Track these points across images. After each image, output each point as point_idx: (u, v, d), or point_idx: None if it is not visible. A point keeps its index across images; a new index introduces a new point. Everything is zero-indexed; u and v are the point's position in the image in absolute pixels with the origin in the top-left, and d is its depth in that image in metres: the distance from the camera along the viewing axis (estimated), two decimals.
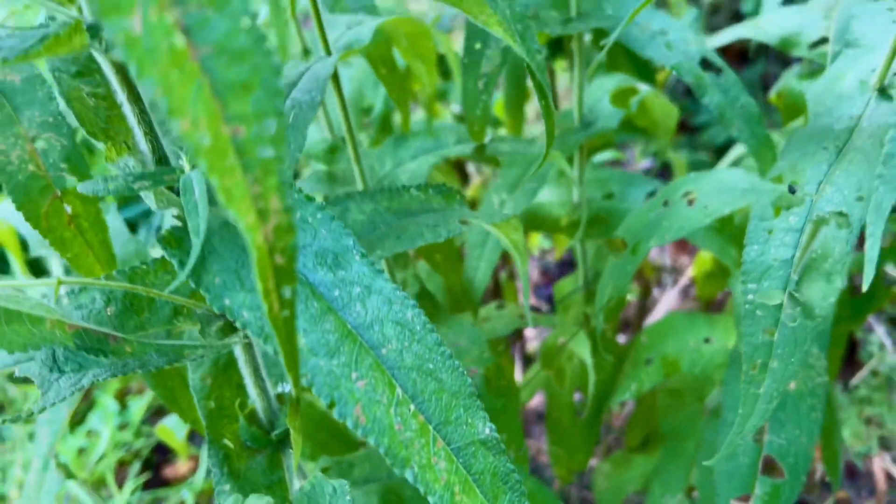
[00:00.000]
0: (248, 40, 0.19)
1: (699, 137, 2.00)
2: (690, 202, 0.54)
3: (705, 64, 0.59)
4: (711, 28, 2.10)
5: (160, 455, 1.33)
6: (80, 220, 0.45)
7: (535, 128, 1.47)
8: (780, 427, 0.54)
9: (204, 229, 0.28)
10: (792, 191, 0.42)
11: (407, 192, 0.45)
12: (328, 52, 0.49)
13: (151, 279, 0.38)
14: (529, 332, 1.73)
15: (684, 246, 1.60)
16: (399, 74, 0.63)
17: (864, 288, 0.33)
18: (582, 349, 0.74)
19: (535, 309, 1.80)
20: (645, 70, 0.88)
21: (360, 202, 0.43)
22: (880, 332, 1.43)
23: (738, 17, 2.04)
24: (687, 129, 1.99)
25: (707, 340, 0.70)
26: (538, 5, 0.63)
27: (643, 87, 0.73)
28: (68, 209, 0.45)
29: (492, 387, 0.58)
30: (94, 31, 0.29)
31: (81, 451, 1.30)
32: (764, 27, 0.81)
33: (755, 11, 1.66)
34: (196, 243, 0.28)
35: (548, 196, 0.74)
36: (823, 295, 0.57)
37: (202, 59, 0.19)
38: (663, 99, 0.76)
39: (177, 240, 0.30)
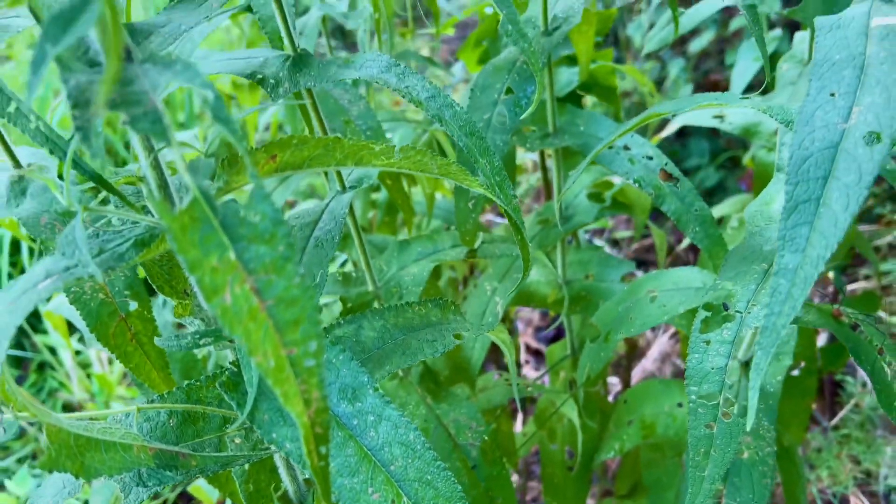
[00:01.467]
0: (299, 291, 0.29)
1: (690, 179, 2.10)
2: (652, 299, 0.63)
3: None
4: (702, 72, 2.21)
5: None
6: (140, 337, 0.54)
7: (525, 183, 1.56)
8: (735, 491, 0.63)
9: (256, 382, 0.37)
10: (726, 307, 0.51)
11: (410, 308, 0.54)
12: (343, 187, 0.59)
13: (205, 394, 0.48)
14: (531, 373, 1.81)
15: None
16: (401, 184, 0.73)
17: (750, 419, 0.41)
18: (571, 412, 0.83)
19: (535, 352, 1.89)
20: None
21: (371, 320, 0.52)
22: (861, 371, 1.50)
23: (724, 61, 2.14)
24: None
25: (680, 405, 0.79)
26: (528, 94, 0.73)
27: (617, 180, 0.82)
28: (131, 328, 0.54)
29: (487, 458, 0.67)
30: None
31: None
32: (729, 118, 0.91)
33: (732, 65, 1.75)
34: (251, 392, 0.37)
35: (536, 276, 0.83)
36: (773, 373, 0.66)
37: (268, 308, 0.28)
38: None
39: (233, 384, 0.40)
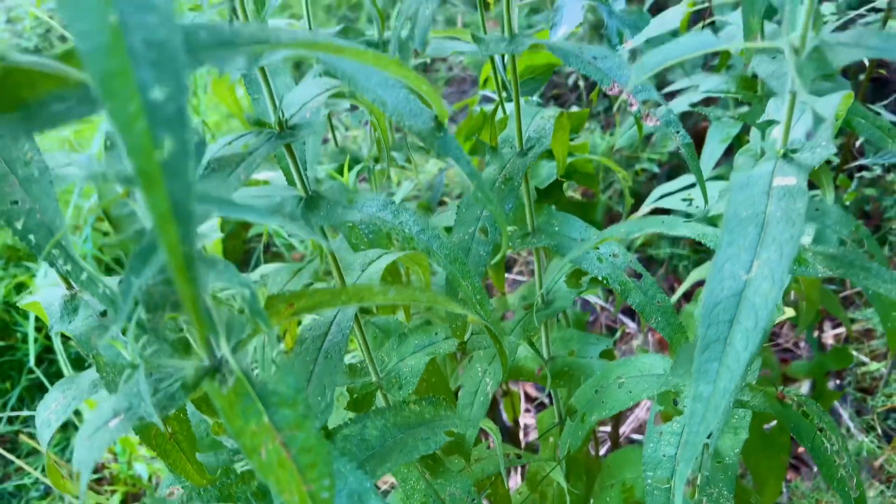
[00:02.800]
0: (315, 441, 0.38)
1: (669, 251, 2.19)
2: (620, 385, 0.72)
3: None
4: (691, 123, 2.31)
5: None
6: (177, 436, 0.64)
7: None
8: None
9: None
10: (675, 403, 0.60)
11: (407, 407, 0.63)
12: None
13: (235, 489, 0.57)
14: (530, 420, 1.89)
15: (664, 345, 1.77)
16: (400, 279, 0.83)
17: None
18: (559, 477, 0.91)
19: (534, 400, 1.97)
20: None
21: (374, 419, 0.61)
22: (845, 416, 1.57)
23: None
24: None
25: None
26: (506, 208, 0.82)
27: None
28: (169, 429, 0.64)
29: None
30: (214, 372, 0.47)
31: None
32: (695, 202, 1.01)
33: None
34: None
35: (523, 353, 0.92)
36: (731, 445, 0.75)
37: (293, 456, 0.38)
38: None
39: (262, 494, 0.49)
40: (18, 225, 0.49)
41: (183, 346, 0.50)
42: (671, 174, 2.23)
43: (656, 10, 1.79)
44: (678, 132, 0.63)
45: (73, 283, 0.68)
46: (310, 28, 1.04)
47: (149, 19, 0.24)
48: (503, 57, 0.80)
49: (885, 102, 1.63)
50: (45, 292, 0.71)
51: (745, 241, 0.47)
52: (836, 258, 0.60)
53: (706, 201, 0.66)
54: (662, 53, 0.50)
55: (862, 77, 1.29)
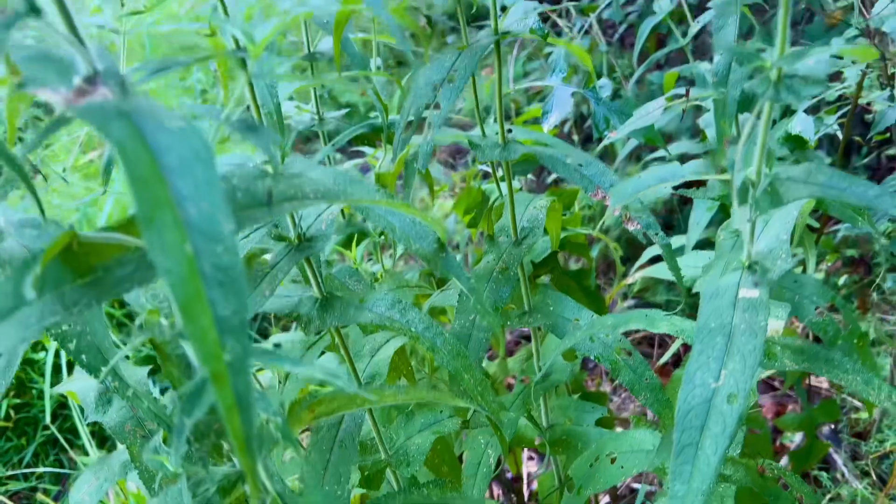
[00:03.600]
0: None
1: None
2: (612, 461, 0.78)
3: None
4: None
5: None
6: None
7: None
8: None
9: None
10: (661, 484, 0.66)
11: (417, 491, 0.69)
12: (358, 382, 0.75)
13: None
14: (533, 468, 1.93)
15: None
16: (408, 361, 0.89)
17: None
18: None
19: (536, 449, 2.01)
20: (594, 298, 1.13)
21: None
22: (839, 461, 1.62)
23: None
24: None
25: None
26: (503, 297, 0.89)
27: None
28: None
29: None
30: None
31: None
32: (684, 271, 1.07)
33: None
34: None
35: (523, 422, 0.98)
36: None
37: None
38: None
39: None
40: (71, 346, 0.55)
41: (217, 449, 0.56)
42: (665, 224, 2.30)
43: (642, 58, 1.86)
44: (657, 234, 0.69)
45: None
46: (318, 112, 1.12)
47: (216, 248, 0.30)
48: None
49: (865, 161, 1.70)
50: (79, 382, 0.78)
51: (713, 352, 0.54)
52: (803, 351, 0.66)
53: (685, 297, 0.72)
54: (640, 181, 0.57)
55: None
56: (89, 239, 0.41)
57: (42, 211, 0.41)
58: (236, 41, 0.64)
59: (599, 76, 2.50)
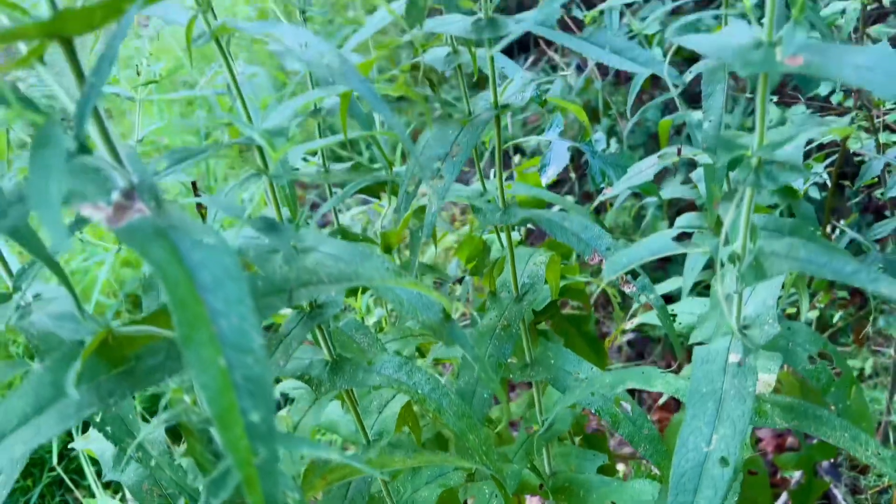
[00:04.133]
0: None
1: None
2: None
3: None
4: (676, 209, 2.43)
5: None
6: None
7: None
8: None
9: None
10: None
11: None
12: (367, 440, 0.77)
13: None
14: None
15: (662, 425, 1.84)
16: (412, 408, 0.92)
17: None
18: None
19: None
20: (594, 342, 1.16)
21: None
22: (839, 496, 1.63)
23: None
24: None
25: None
26: (505, 354, 0.91)
27: None
28: None
29: None
30: None
31: None
32: (679, 318, 1.10)
33: None
34: None
35: (526, 471, 1.00)
36: None
37: None
38: None
39: None
40: (97, 417, 0.58)
41: None
42: (661, 261, 2.33)
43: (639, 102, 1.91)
44: (652, 295, 0.72)
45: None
46: (324, 165, 1.15)
47: (247, 360, 0.34)
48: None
49: (856, 199, 1.74)
50: (96, 441, 0.80)
51: (705, 417, 0.57)
52: (793, 409, 0.69)
53: (680, 354, 0.75)
54: (632, 254, 0.60)
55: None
56: (122, 332, 0.44)
57: (79, 305, 0.45)
58: (247, 113, 0.68)
59: (596, 112, 2.56)
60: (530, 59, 3.03)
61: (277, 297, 0.49)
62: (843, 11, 0.87)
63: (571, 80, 2.50)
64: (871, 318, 1.86)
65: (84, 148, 0.34)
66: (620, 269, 0.59)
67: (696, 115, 1.33)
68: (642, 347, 2.24)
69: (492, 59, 0.74)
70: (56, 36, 0.35)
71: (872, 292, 1.17)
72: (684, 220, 1.03)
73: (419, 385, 0.70)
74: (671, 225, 2.44)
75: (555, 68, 2.95)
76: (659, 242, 0.61)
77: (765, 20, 0.48)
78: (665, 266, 2.30)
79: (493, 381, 0.61)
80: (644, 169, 0.96)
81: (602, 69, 2.75)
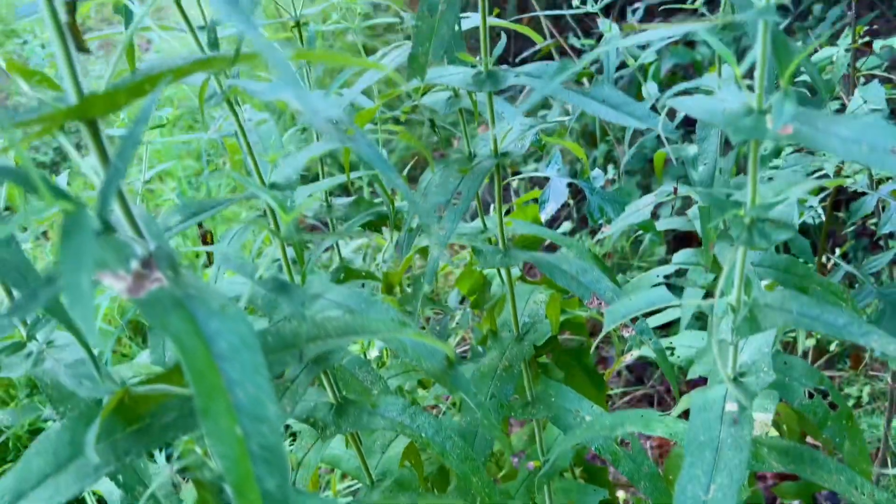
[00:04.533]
0: None
1: None
2: None
3: None
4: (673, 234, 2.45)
5: None
6: None
7: None
8: None
9: None
10: None
11: None
12: (370, 481, 0.79)
13: None
14: None
15: (662, 455, 1.85)
16: (416, 448, 0.93)
17: None
18: None
19: None
20: (593, 375, 1.18)
21: None
22: None
23: None
24: None
25: None
26: (507, 395, 0.92)
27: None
28: None
29: None
30: None
31: None
32: (677, 351, 1.12)
33: None
34: None
35: None
36: None
37: None
38: None
39: None
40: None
41: None
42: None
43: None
44: (651, 339, 0.74)
45: None
46: (326, 200, 1.17)
47: (262, 428, 0.35)
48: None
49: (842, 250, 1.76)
50: (106, 483, 0.81)
51: (703, 465, 0.58)
52: (788, 453, 0.70)
53: (678, 396, 0.77)
54: (630, 305, 0.62)
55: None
56: (138, 392, 0.46)
57: (97, 366, 0.46)
58: (257, 167, 0.70)
59: (593, 137, 2.59)
60: None
61: (288, 353, 0.50)
62: (832, 59, 0.89)
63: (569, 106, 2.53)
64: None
65: (108, 227, 0.36)
66: (619, 319, 0.61)
67: (692, 149, 1.35)
68: (641, 372, 2.25)
69: (491, 106, 0.76)
70: (82, 118, 0.37)
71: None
72: (681, 257, 1.05)
73: (423, 429, 0.71)
74: (668, 250, 2.45)
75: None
76: (656, 294, 0.62)
77: (755, 86, 0.50)
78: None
79: (495, 428, 0.63)
80: (641, 207, 0.98)
81: None
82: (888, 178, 1.14)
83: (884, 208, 1.15)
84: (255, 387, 0.36)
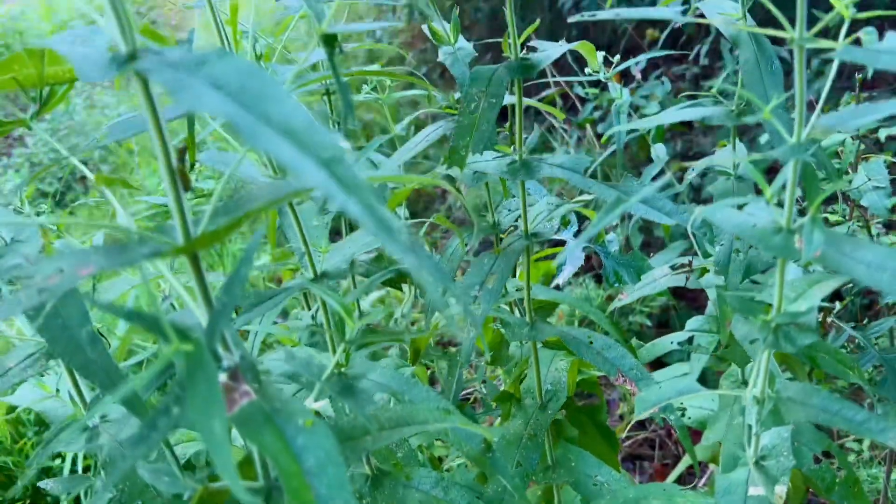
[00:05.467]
0: None
1: None
2: None
3: None
4: None
5: None
6: None
7: None
8: None
9: None
10: None
11: None
12: None
13: None
14: None
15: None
16: None
17: None
18: None
19: None
20: (606, 433, 1.21)
21: None
22: None
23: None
24: None
25: None
26: (533, 464, 0.95)
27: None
28: None
29: None
30: None
31: None
32: (688, 413, 1.15)
33: None
34: None
35: None
36: None
37: None
38: None
39: None
40: None
41: None
42: (660, 325, 2.40)
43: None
44: (672, 417, 0.78)
45: None
46: (353, 285, 1.20)
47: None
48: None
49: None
50: None
51: None
52: None
53: (698, 472, 0.80)
54: (659, 394, 0.66)
55: None
56: (214, 488, 0.49)
57: (179, 467, 0.49)
58: (309, 257, 0.74)
59: (608, 178, 2.64)
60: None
61: (349, 448, 0.54)
62: (843, 142, 0.95)
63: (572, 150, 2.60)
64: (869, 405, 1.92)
65: (216, 356, 0.40)
66: (649, 407, 0.65)
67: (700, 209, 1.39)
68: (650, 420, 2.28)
69: (524, 193, 0.81)
70: (186, 254, 0.41)
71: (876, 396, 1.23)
72: (694, 324, 1.09)
73: (455, 501, 0.74)
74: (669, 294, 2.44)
75: (552, 130, 3.06)
76: (685, 385, 0.66)
77: (784, 205, 0.54)
78: (667, 330, 2.35)
79: (523, 499, 0.66)
80: (658, 278, 1.02)
81: (599, 139, 2.84)
82: (892, 244, 1.19)
83: None
84: (343, 501, 0.40)
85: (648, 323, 2.36)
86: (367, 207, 0.26)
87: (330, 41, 0.43)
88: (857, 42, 0.48)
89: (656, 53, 1.34)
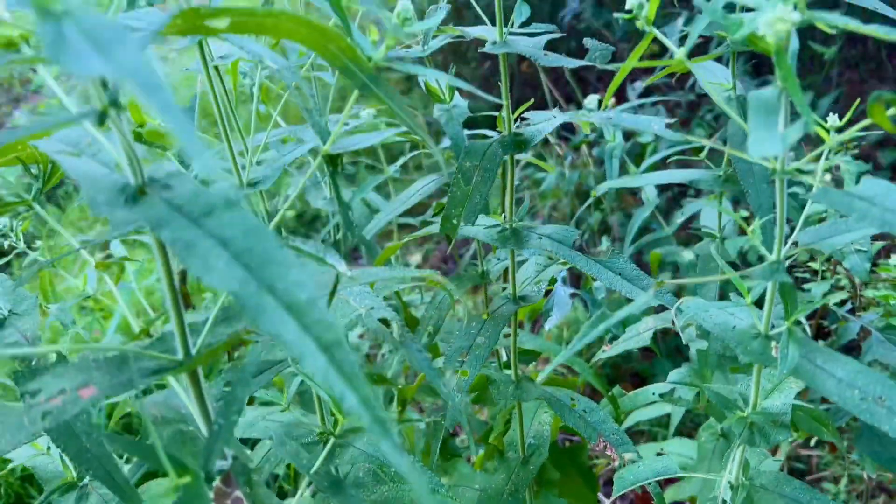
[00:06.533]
0: None
1: None
2: None
3: None
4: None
5: None
6: None
7: None
8: None
9: None
10: None
11: None
12: None
13: None
14: None
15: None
16: None
17: None
18: None
19: None
20: (587, 474, 1.23)
21: None
22: None
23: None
24: None
25: None
26: None
27: None
28: None
29: None
30: None
31: None
32: None
33: None
34: None
35: None
36: None
37: None
38: None
39: None
40: None
41: None
42: (645, 350, 2.42)
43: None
44: (654, 490, 0.80)
45: None
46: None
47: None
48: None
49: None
50: None
51: None
52: None
53: None
54: (637, 474, 0.68)
55: None
56: None
57: None
58: None
59: (588, 197, 2.66)
60: None
61: None
62: (826, 212, 0.97)
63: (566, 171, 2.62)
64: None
65: (210, 477, 0.41)
66: (627, 486, 0.67)
67: (688, 254, 1.42)
68: None
69: (513, 260, 0.82)
70: (186, 371, 0.43)
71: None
72: (676, 377, 1.11)
73: None
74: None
75: (546, 143, 3.08)
76: (664, 465, 0.68)
77: (763, 310, 0.57)
78: (651, 358, 2.38)
79: None
80: (642, 331, 1.04)
81: (593, 158, 2.87)
82: (871, 305, 1.21)
83: (866, 337, 1.23)
84: None
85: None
86: (364, 402, 0.28)
87: (333, 161, 0.45)
88: (838, 169, 0.50)
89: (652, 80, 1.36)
